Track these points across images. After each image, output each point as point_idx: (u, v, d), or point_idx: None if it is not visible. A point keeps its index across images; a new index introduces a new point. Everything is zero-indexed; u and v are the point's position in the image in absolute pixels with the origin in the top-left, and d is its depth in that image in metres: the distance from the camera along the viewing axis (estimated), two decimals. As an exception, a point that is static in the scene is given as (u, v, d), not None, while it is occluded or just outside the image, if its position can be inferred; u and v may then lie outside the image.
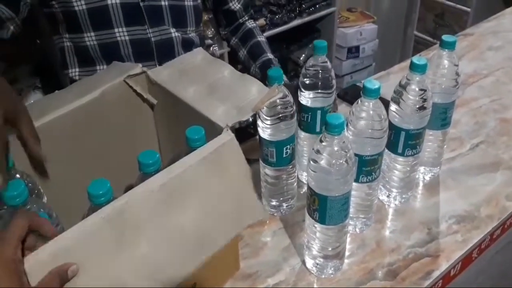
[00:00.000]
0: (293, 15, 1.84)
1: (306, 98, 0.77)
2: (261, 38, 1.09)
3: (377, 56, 2.34)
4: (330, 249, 0.68)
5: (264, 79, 0.67)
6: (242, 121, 0.59)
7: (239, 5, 1.08)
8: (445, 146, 0.92)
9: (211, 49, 1.75)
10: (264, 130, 0.72)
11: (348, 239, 0.77)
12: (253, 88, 0.65)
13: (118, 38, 0.90)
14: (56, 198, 0.60)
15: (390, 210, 0.83)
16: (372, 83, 0.64)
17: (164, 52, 0.95)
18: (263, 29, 1.86)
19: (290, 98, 0.71)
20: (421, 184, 0.88)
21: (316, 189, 0.62)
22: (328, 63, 0.76)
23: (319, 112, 0.78)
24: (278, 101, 0.69)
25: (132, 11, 0.89)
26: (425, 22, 2.30)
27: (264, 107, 0.69)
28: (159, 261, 0.47)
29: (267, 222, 0.82)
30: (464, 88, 1.12)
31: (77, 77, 0.96)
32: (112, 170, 0.60)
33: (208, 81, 0.67)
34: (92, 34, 0.89)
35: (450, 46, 0.75)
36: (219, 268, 0.67)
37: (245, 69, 1.09)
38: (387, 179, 0.80)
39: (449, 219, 0.81)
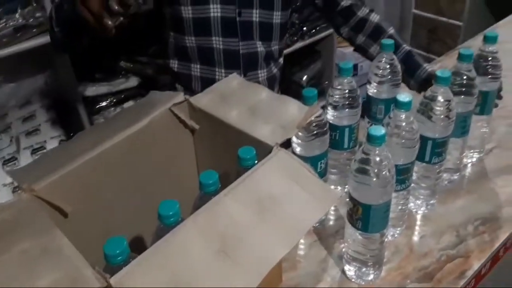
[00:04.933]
0: (295, 38, 1.91)
1: (334, 117, 0.82)
2: (392, 30, 1.11)
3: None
4: (370, 256, 0.72)
5: (407, 70, 0.75)
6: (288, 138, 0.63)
7: (351, 0, 1.10)
8: (464, 153, 0.97)
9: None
10: (301, 147, 0.76)
11: (383, 246, 0.81)
12: (293, 107, 0.69)
13: (214, 45, 1.01)
14: (108, 226, 0.62)
15: (418, 217, 0.87)
16: (403, 96, 0.69)
17: (249, 64, 1.06)
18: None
19: (324, 115, 0.75)
20: (444, 190, 0.92)
21: (360, 198, 0.66)
22: (354, 83, 0.81)
23: (347, 129, 0.83)
24: (313, 119, 0.73)
25: (229, 24, 1.00)
26: (418, 37, 2.39)
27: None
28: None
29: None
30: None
31: (175, 69, 1.07)
32: (154, 195, 0.63)
33: (248, 104, 0.71)
34: (193, 38, 1.01)
35: (468, 59, 0.81)
36: (266, 281, 0.70)
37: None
38: (414, 186, 0.84)
39: (475, 221, 0.85)
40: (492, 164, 0.98)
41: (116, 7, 0.69)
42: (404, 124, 0.70)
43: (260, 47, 1.05)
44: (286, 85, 1.99)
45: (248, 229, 0.51)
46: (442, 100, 0.75)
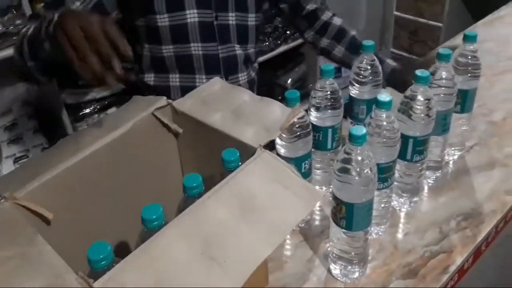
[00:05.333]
0: (279, 42, 1.92)
1: (317, 118, 0.83)
2: (354, 32, 1.17)
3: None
4: (355, 254, 0.73)
5: None
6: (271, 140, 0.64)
7: (316, 4, 1.15)
8: (445, 150, 0.99)
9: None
10: (284, 148, 0.77)
11: (367, 244, 0.82)
12: (276, 109, 0.70)
13: (193, 52, 1.00)
14: (92, 231, 0.62)
15: (401, 214, 0.88)
16: (384, 96, 0.70)
17: (229, 68, 1.06)
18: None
19: (307, 117, 0.76)
20: (426, 187, 0.93)
21: (343, 197, 0.67)
22: (336, 85, 0.82)
23: (330, 130, 0.83)
24: (296, 120, 0.74)
25: (207, 29, 1.00)
26: (400, 39, 2.42)
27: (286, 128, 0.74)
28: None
29: (288, 236, 0.86)
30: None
31: (151, 83, 1.05)
32: (139, 199, 0.63)
33: (231, 107, 0.71)
34: (171, 47, 1.00)
35: (447, 58, 0.82)
36: (251, 282, 0.70)
37: (344, 65, 1.18)
38: (397, 184, 0.86)
39: (457, 217, 0.86)
40: (473, 161, 1.00)
41: (119, 71, 0.62)
42: (385, 123, 0.71)
43: (238, 50, 1.06)
44: (271, 88, 2.01)
45: (231, 231, 0.52)
46: (422, 99, 0.76)
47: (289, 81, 2.05)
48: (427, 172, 0.93)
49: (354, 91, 0.90)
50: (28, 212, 0.60)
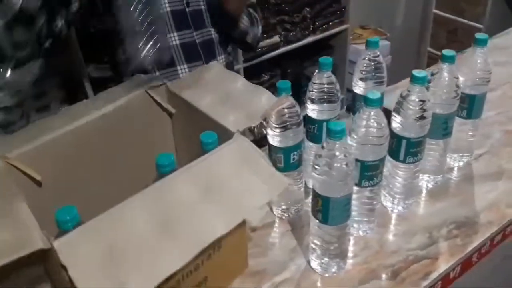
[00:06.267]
0: (306, 32, 1.91)
1: (313, 111, 0.83)
2: None
3: (391, 71, 2.39)
4: (332, 248, 0.73)
5: None
6: (252, 126, 0.65)
7: None
8: (447, 155, 0.96)
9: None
10: (273, 138, 0.78)
11: (352, 241, 0.82)
12: (263, 98, 0.71)
13: (171, 43, 1.01)
14: (81, 197, 0.66)
15: (393, 215, 0.87)
16: (373, 94, 0.70)
17: (208, 52, 1.07)
18: (277, 45, 1.94)
19: (297, 107, 0.77)
20: (424, 191, 0.92)
21: (320, 191, 0.67)
22: (333, 77, 0.81)
23: (325, 124, 0.83)
24: (286, 110, 0.75)
25: (180, 16, 1.01)
26: (438, 38, 2.34)
27: (273, 116, 0.75)
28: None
29: (276, 224, 0.87)
30: (470, 101, 1.16)
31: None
32: (131, 172, 0.66)
33: (222, 92, 0.73)
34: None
35: (451, 59, 0.80)
36: (229, 264, 0.72)
37: None
38: (390, 185, 0.85)
39: (450, 224, 0.85)
40: (481, 169, 0.97)
41: None
42: (372, 121, 0.70)
43: (214, 33, 1.08)
44: (297, 78, 2.00)
45: (192, 208, 0.54)
46: (416, 99, 0.75)
47: (315, 72, 2.03)
48: (427, 176, 0.91)
49: (356, 87, 0.89)
50: (19, 172, 0.64)
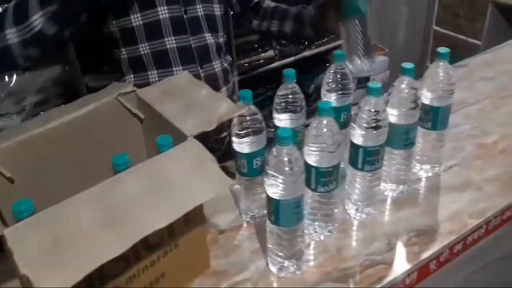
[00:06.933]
0: (302, 47, 1.96)
1: (280, 120, 0.88)
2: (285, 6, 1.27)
3: (388, 87, 2.42)
4: (285, 249, 0.76)
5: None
6: (207, 131, 0.70)
7: None
8: (417, 166, 0.99)
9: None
10: (236, 144, 0.82)
11: (312, 245, 0.85)
12: (223, 105, 0.76)
13: (168, 46, 1.09)
14: (46, 200, 0.71)
15: (355, 222, 0.90)
16: (324, 103, 0.73)
17: (203, 56, 1.14)
18: (272, 59, 2.00)
19: (259, 115, 0.81)
20: (389, 200, 0.94)
21: (270, 193, 0.71)
22: (297, 88, 0.86)
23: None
24: (247, 118, 0.79)
25: (178, 23, 1.08)
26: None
27: (236, 123, 0.80)
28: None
29: (242, 227, 0.91)
30: (448, 114, 1.18)
31: (132, 83, 1.10)
32: (103, 174, 0.71)
33: (187, 99, 0.78)
34: (146, 44, 1.08)
35: (410, 72, 0.84)
36: (188, 262, 0.76)
37: (283, 35, 1.27)
38: (350, 192, 0.88)
39: (410, 232, 0.87)
40: (448, 180, 0.99)
41: None
42: (324, 129, 0.74)
43: (209, 39, 1.14)
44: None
45: (135, 203, 0.58)
46: (371, 110, 0.78)
47: (311, 86, 2.08)
48: (392, 185, 0.94)
49: (325, 99, 0.93)
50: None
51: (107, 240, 0.54)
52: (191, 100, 0.78)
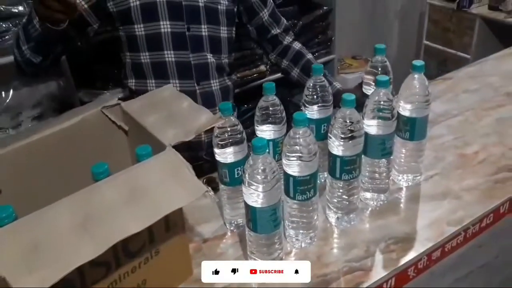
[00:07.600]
0: (294, 63, 2.01)
1: (261, 131, 0.91)
2: (309, 56, 1.30)
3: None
4: (265, 256, 0.79)
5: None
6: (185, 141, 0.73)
7: (279, 30, 1.28)
8: (398, 175, 1.01)
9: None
10: (218, 154, 0.85)
11: (293, 252, 0.87)
12: (203, 117, 0.79)
13: (167, 59, 1.13)
14: (32, 209, 0.74)
15: (335, 230, 0.92)
16: (299, 115, 0.77)
17: (201, 74, 1.17)
18: (264, 74, 2.04)
19: (239, 126, 0.84)
20: (370, 208, 0.96)
21: (248, 201, 0.74)
22: (277, 100, 0.89)
23: (271, 143, 0.90)
24: (228, 129, 0.82)
25: (179, 38, 1.13)
26: (429, 68, 2.41)
27: (217, 135, 0.83)
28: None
29: (226, 236, 0.93)
30: (431, 126, 1.21)
31: (133, 87, 1.19)
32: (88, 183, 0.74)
33: (168, 111, 0.81)
34: (147, 53, 1.13)
35: (384, 84, 0.86)
36: (170, 269, 0.78)
37: (300, 85, 1.28)
38: (330, 201, 0.90)
39: (389, 240, 0.89)
40: (428, 189, 1.01)
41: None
42: (300, 140, 0.77)
43: (210, 58, 1.17)
44: (285, 106, 2.08)
45: (112, 210, 0.61)
46: (346, 121, 0.81)
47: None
48: (372, 194, 0.96)
49: (305, 110, 0.96)
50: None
51: (85, 244, 0.57)
52: (173, 112, 0.81)
